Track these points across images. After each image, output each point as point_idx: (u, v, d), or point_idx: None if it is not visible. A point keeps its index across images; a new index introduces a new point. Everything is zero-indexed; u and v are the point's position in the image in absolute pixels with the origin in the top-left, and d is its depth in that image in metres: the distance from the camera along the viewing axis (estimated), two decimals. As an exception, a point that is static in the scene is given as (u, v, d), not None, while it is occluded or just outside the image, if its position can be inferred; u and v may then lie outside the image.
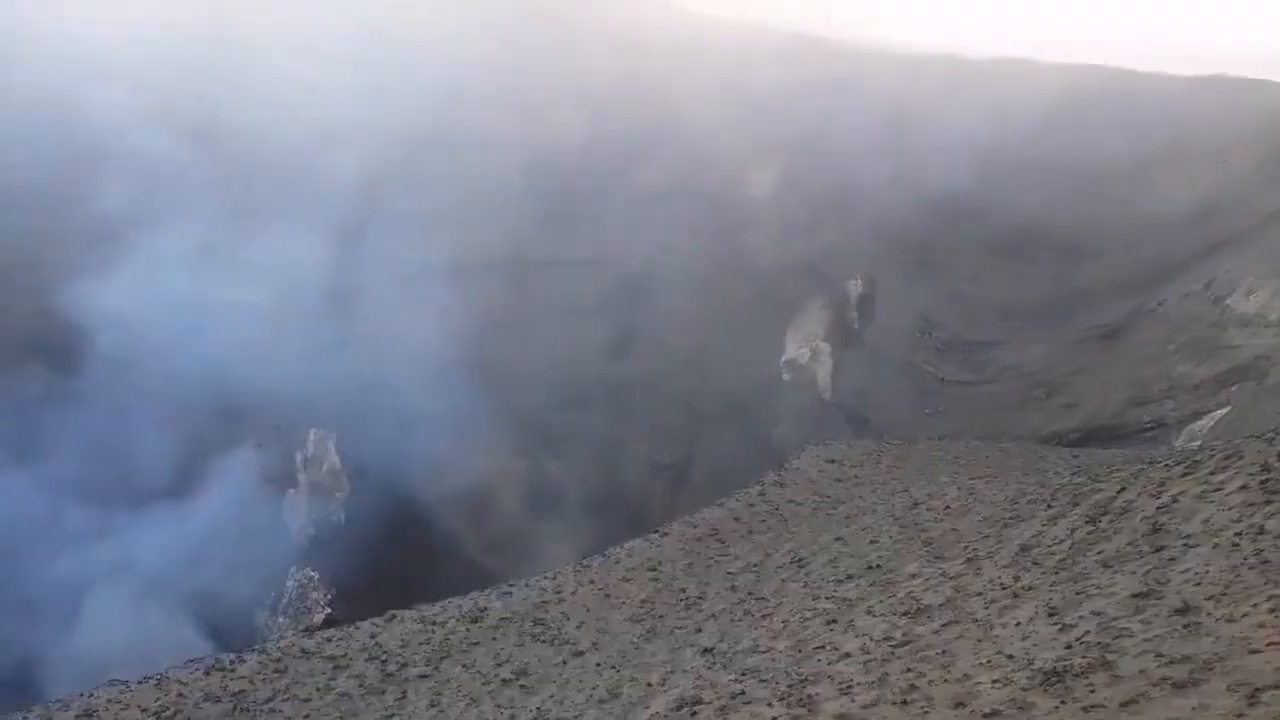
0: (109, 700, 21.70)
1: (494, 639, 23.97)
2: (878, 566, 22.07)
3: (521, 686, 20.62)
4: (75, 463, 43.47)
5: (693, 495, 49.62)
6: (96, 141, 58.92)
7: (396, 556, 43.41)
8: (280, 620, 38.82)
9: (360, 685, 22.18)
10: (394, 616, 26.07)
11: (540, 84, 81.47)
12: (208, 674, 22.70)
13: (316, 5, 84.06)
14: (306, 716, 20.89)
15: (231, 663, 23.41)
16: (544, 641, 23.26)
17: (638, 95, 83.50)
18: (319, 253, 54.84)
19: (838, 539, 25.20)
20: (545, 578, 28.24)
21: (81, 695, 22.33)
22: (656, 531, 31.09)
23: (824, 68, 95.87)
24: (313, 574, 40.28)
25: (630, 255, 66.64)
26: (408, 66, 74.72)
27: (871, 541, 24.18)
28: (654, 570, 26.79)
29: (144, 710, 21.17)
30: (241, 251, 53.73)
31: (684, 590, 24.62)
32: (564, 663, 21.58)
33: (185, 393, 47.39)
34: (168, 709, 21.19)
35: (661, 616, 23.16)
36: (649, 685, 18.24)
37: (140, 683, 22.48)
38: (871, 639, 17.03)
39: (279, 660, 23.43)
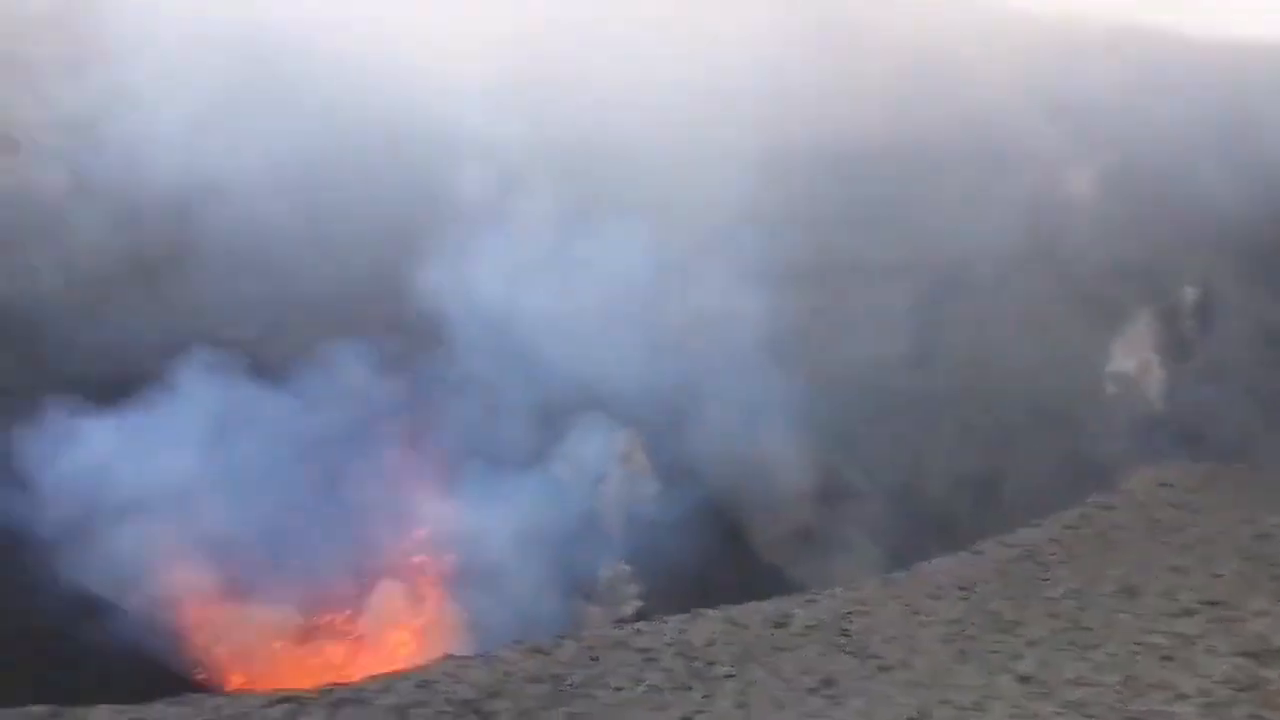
0: (444, 674, 23.48)
1: (799, 646, 24.01)
2: (1219, 602, 20.40)
3: (827, 696, 20.55)
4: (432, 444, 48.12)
5: (1003, 513, 47.54)
6: (448, 132, 62.59)
7: (701, 555, 44.33)
8: (594, 610, 40.77)
9: (669, 679, 22.82)
10: (700, 615, 26.61)
11: (844, 86, 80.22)
12: (530, 656, 24.10)
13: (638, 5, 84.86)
14: (620, 705, 21.73)
15: (550, 647, 24.72)
16: (849, 653, 23.03)
17: (945, 95, 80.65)
18: (642, 253, 56.52)
19: (1173, 569, 23.43)
20: (850, 589, 27.96)
21: (420, 667, 24.30)
22: (967, 549, 30.05)
23: (1150, 60, 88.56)
24: (625, 567, 42.02)
25: (938, 261, 64.72)
26: (722, 70, 75.41)
27: (1212, 574, 22.33)
28: (965, 590, 25.90)
29: (474, 686, 22.74)
30: (574, 247, 56.05)
31: (998, 613, 23.66)
32: (870, 677, 21.32)
33: (514, 386, 50.58)
34: (495, 686, 22.67)
35: (973, 639, 22.38)
36: (962, 709, 17.75)
37: (473, 659, 24.23)
38: (1212, 680, 15.84)
39: (593, 649, 24.49)
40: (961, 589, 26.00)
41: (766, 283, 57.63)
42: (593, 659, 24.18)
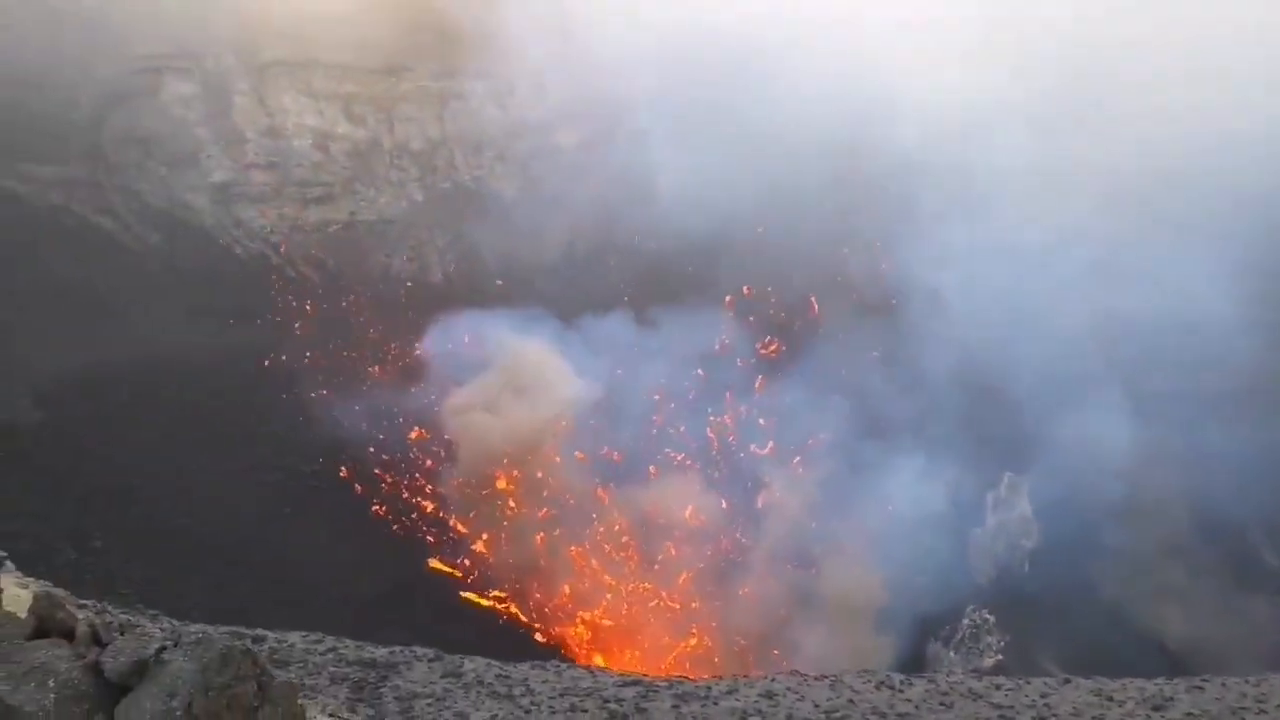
0: (787, 689, 23.63)
1: (1177, 735, 21.81)
2: None
3: (1204, 798, 18.50)
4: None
5: None
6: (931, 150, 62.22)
7: (1076, 617, 41.24)
8: (951, 655, 39.16)
9: (1024, 744, 21.58)
10: (1068, 681, 24.91)
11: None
12: (877, 688, 23.66)
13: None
14: (966, 758, 20.83)
15: (900, 684, 24.14)
16: (1237, 754, 20.62)
17: None
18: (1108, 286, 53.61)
19: None
20: (1247, 682, 24.93)
21: (766, 677, 24.61)
22: (1405, 663, 25.81)
23: None
24: (988, 616, 40.02)
25: None
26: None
27: None
28: (1394, 706, 22.32)
29: (817, 706, 22.68)
30: (1027, 266, 54.55)
31: None
32: (1259, 786, 18.94)
33: (942, 392, 50.16)
34: (837, 711, 22.47)
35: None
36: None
37: (818, 679, 24.17)
38: None
39: (945, 694, 23.62)
40: (1389, 705, 22.45)
41: (1244, 329, 51.56)
42: (944, 704, 23.27)
